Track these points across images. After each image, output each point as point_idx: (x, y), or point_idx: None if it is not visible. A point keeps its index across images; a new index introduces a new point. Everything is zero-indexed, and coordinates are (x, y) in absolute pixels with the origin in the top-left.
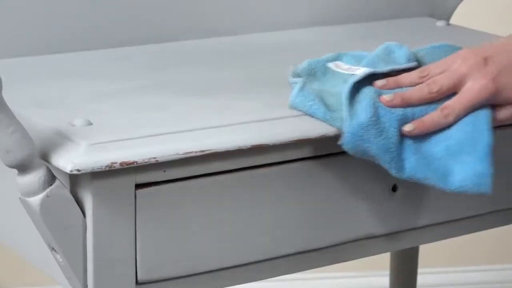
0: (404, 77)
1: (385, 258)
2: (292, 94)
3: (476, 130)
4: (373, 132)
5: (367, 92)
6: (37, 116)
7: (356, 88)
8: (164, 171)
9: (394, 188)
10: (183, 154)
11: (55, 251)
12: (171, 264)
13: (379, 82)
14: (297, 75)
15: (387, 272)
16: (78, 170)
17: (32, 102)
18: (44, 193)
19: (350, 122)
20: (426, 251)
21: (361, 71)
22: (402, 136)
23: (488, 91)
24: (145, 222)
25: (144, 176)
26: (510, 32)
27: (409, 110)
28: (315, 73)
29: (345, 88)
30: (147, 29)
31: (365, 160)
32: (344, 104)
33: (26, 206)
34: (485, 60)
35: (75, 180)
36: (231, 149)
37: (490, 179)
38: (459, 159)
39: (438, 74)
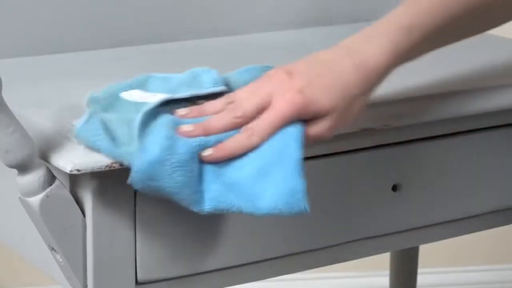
0: (209, 105)
1: (385, 258)
2: (77, 126)
3: (284, 147)
4: (167, 168)
5: (162, 123)
6: (37, 116)
7: (152, 118)
8: None
9: (394, 188)
10: None
11: (55, 251)
12: (171, 264)
13: (180, 111)
14: (93, 101)
15: (387, 272)
16: (78, 170)
17: (32, 102)
18: (44, 193)
19: (139, 158)
20: (426, 251)
21: (155, 98)
22: (202, 164)
23: (295, 105)
24: (144, 222)
25: None
26: (510, 32)
27: (212, 138)
28: (112, 101)
29: (136, 119)
30: (147, 29)
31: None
32: (134, 136)
33: (26, 206)
34: (290, 75)
35: (75, 180)
36: None
37: (303, 196)
38: (267, 180)
39: (244, 99)
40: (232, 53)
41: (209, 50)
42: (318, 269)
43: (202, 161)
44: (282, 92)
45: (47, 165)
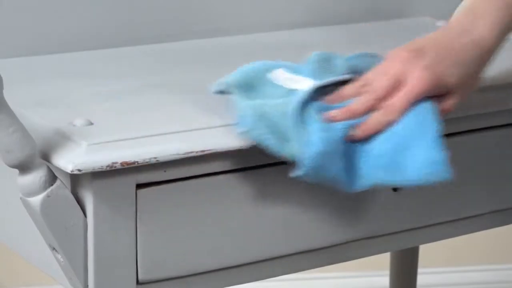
0: (346, 90)
1: (385, 258)
2: (243, 122)
3: (422, 120)
4: (331, 156)
5: (315, 111)
6: (37, 116)
7: (304, 105)
8: (165, 171)
9: (395, 188)
10: (183, 154)
11: (55, 251)
12: (171, 264)
13: (328, 98)
14: (231, 86)
15: (387, 272)
16: (79, 170)
17: (33, 102)
18: (45, 193)
19: (308, 153)
20: (426, 251)
21: (303, 84)
22: (350, 145)
23: (427, 81)
24: (145, 222)
25: (145, 176)
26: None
27: (356, 121)
28: (252, 84)
29: (291, 110)
30: (147, 29)
31: None
32: (293, 130)
33: (27, 206)
34: (418, 52)
35: (76, 180)
36: (231, 149)
37: (445, 165)
38: (410, 153)
39: (377, 80)
40: (232, 53)
41: (209, 50)
42: (318, 269)
43: (349, 143)
44: (412, 70)
45: (48, 165)
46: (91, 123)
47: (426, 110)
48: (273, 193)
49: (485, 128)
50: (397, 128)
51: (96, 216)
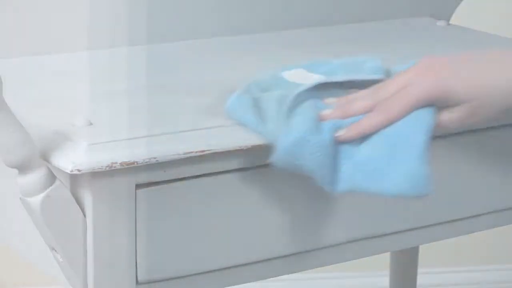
0: (357, 101)
1: (385, 258)
2: (228, 101)
3: (413, 130)
4: (309, 148)
5: (310, 105)
6: (37, 116)
7: (303, 99)
8: (165, 171)
9: None
10: (183, 154)
11: (55, 251)
12: (171, 264)
13: (329, 100)
14: (254, 82)
15: (387, 272)
16: (79, 170)
17: (32, 102)
18: (44, 193)
19: (284, 137)
20: (426, 251)
21: (311, 80)
22: (338, 145)
23: (431, 87)
24: (145, 222)
25: (144, 176)
26: (511, 32)
27: (348, 120)
28: (272, 81)
29: (288, 98)
30: (147, 29)
31: None
32: (282, 114)
33: (27, 206)
34: (433, 62)
35: (76, 180)
36: (231, 149)
37: (426, 180)
38: (393, 162)
39: (385, 86)
40: (231, 53)
41: (209, 50)
42: (318, 269)
43: (336, 143)
44: (423, 77)
45: (48, 165)
46: (91, 123)
47: (420, 119)
48: (273, 193)
49: (485, 128)
50: (386, 134)
51: (96, 216)
